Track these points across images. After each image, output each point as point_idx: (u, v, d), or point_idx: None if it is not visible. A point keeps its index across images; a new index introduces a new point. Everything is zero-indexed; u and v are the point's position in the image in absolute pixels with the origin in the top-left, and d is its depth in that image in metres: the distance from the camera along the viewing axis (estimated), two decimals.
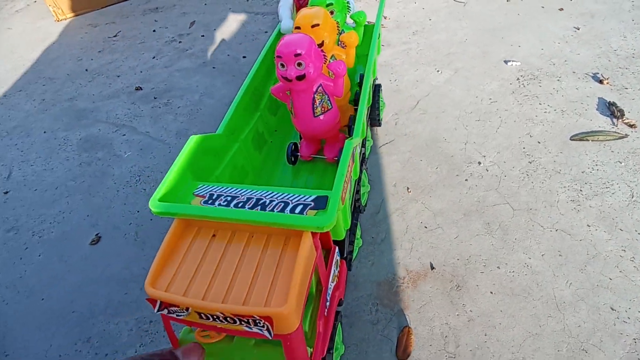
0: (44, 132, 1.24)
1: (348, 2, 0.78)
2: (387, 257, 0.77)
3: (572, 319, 0.65)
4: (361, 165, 0.77)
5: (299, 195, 0.50)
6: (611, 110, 0.99)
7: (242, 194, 0.51)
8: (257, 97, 0.81)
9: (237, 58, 1.42)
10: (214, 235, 0.49)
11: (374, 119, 0.99)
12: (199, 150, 0.60)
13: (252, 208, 0.50)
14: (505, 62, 1.20)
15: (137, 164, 1.07)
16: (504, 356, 0.62)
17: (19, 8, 2.13)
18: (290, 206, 0.48)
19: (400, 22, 1.45)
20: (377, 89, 0.97)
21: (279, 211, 0.48)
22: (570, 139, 0.94)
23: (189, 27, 1.66)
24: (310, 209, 0.48)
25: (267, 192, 0.51)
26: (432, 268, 0.74)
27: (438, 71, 1.20)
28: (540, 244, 0.75)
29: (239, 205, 0.49)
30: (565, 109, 1.01)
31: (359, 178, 0.75)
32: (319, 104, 0.65)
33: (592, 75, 1.10)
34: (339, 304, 0.62)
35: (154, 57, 1.50)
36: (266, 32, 1.54)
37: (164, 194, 0.51)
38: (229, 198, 0.51)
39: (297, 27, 0.67)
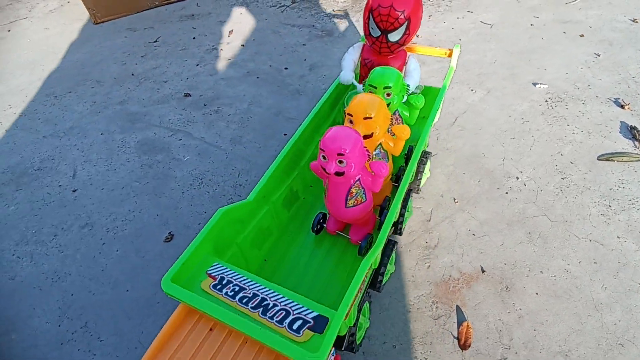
0: (101, 133, 1.32)
1: (408, 86, 0.79)
2: (441, 260, 0.87)
3: (608, 317, 0.76)
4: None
5: (302, 308, 0.50)
6: (633, 133, 1.10)
7: (250, 287, 0.52)
8: (298, 156, 0.80)
9: (279, 69, 1.51)
10: (211, 329, 0.51)
11: (413, 188, 0.94)
12: (224, 223, 0.62)
13: (254, 308, 0.50)
14: (534, 84, 1.31)
15: (197, 167, 1.16)
16: (552, 348, 0.73)
17: (53, 8, 2.19)
18: (291, 318, 0.49)
19: (432, 41, 1.55)
20: (425, 156, 0.91)
21: (278, 320, 0.48)
22: (598, 159, 1.05)
23: (228, 36, 1.75)
24: (309, 327, 0.48)
25: (274, 293, 0.51)
26: (483, 271, 0.85)
27: (472, 90, 1.31)
28: (577, 252, 0.86)
29: (244, 300, 0.51)
30: (591, 131, 1.13)
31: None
32: (354, 196, 0.65)
33: (613, 100, 1.22)
34: None
35: (197, 65, 1.59)
36: (304, 44, 1.63)
37: (178, 270, 0.54)
38: (236, 288, 0.52)
39: (350, 114, 0.66)
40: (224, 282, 0.53)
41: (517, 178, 1.02)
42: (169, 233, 0.99)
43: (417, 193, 0.98)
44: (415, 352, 0.74)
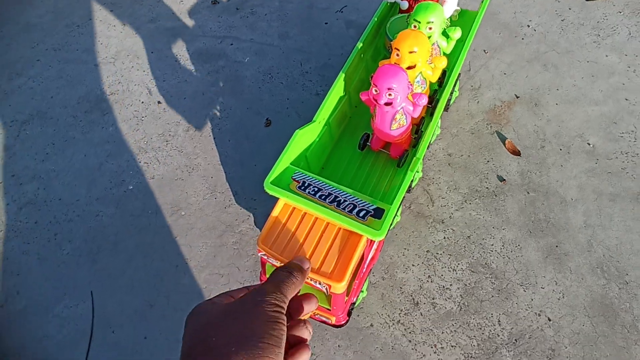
0: (152, 52, 1.44)
1: (448, 20, 0.92)
2: (486, 96, 1.20)
3: (604, 108, 1.14)
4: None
5: (365, 202, 0.70)
6: None
7: (325, 189, 0.72)
8: (347, 82, 0.96)
9: None
10: (302, 218, 0.74)
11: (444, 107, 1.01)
12: (298, 141, 0.82)
13: (331, 202, 0.68)
14: None
15: (260, 65, 1.35)
16: (571, 134, 1.11)
17: None
18: (357, 209, 0.68)
19: None
20: (457, 79, 1.06)
21: (348, 211, 0.68)
22: (586, 0, 1.35)
23: None
24: (371, 215, 0.68)
25: (343, 192, 0.71)
26: (517, 97, 1.19)
27: None
28: (579, 71, 1.21)
29: (322, 197, 0.70)
30: None
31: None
32: (397, 121, 0.81)
33: None
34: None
35: None
36: None
37: (274, 178, 0.75)
38: (315, 189, 0.71)
39: (397, 49, 0.79)
40: (305, 184, 0.73)
41: (528, 26, 1.32)
42: (266, 119, 1.24)
43: (447, 111, 1.16)
44: (484, 155, 1.10)
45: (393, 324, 0.91)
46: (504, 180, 1.06)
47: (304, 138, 0.86)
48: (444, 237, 1.00)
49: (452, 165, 1.09)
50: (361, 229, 0.67)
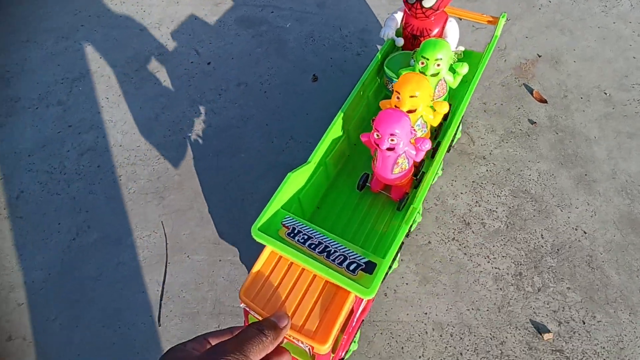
0: (195, 19, 1.55)
1: (455, 55, 0.89)
2: (511, 55, 1.36)
3: (616, 65, 1.32)
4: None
5: (356, 255, 0.66)
6: None
7: (316, 237, 0.68)
8: (346, 121, 0.93)
9: None
10: (289, 267, 0.69)
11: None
12: (292, 183, 0.79)
13: (320, 252, 0.65)
14: None
15: (301, 30, 1.48)
16: (591, 85, 1.28)
17: None
18: (347, 262, 0.64)
19: None
20: (461, 120, 1.05)
21: (338, 263, 0.64)
22: None
23: None
24: (361, 269, 0.63)
25: (334, 242, 0.68)
26: (539, 56, 1.35)
27: None
28: (591, 35, 1.39)
29: (312, 246, 0.66)
30: None
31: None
32: (399, 165, 0.79)
33: None
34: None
35: None
36: None
37: (262, 223, 0.72)
38: (305, 237, 0.68)
39: (397, 92, 0.78)
40: (295, 231, 0.70)
41: None
42: (313, 75, 1.36)
43: (449, 152, 1.16)
44: (515, 104, 1.25)
45: (448, 240, 1.03)
46: (535, 122, 1.21)
47: (297, 180, 0.82)
48: (487, 170, 1.13)
49: (488, 111, 1.24)
50: (350, 286, 0.63)
